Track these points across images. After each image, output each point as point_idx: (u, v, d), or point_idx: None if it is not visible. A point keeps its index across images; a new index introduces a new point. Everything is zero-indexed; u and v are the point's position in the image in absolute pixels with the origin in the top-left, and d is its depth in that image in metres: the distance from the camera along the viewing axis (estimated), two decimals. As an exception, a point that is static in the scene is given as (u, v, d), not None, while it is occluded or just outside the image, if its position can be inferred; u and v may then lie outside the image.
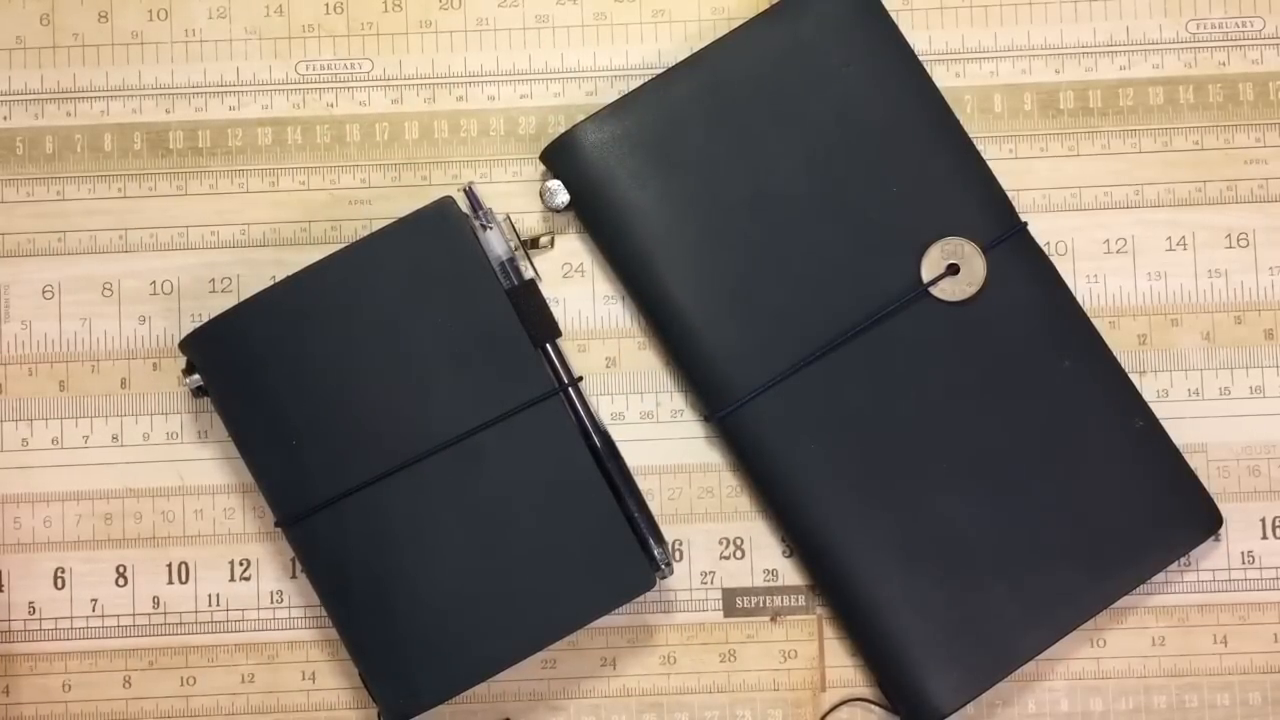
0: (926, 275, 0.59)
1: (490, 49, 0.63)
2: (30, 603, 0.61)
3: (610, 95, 0.62)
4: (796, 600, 0.61)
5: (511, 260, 0.59)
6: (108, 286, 0.62)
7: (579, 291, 0.62)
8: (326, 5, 0.63)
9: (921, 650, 0.58)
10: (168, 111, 0.63)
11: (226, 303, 0.60)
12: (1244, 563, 0.61)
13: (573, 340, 0.62)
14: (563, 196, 0.61)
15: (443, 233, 0.58)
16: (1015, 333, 0.59)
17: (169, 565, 0.62)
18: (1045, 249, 0.61)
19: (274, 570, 0.61)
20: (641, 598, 0.58)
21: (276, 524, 0.58)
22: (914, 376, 0.59)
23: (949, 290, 0.59)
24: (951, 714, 0.58)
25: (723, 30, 0.61)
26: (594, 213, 0.61)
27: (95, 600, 0.61)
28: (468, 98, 0.63)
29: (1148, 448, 0.59)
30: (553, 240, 0.62)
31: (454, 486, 0.57)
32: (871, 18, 0.61)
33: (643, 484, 0.59)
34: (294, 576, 0.61)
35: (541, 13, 0.63)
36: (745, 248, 0.60)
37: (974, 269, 0.59)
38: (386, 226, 0.58)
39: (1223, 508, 0.60)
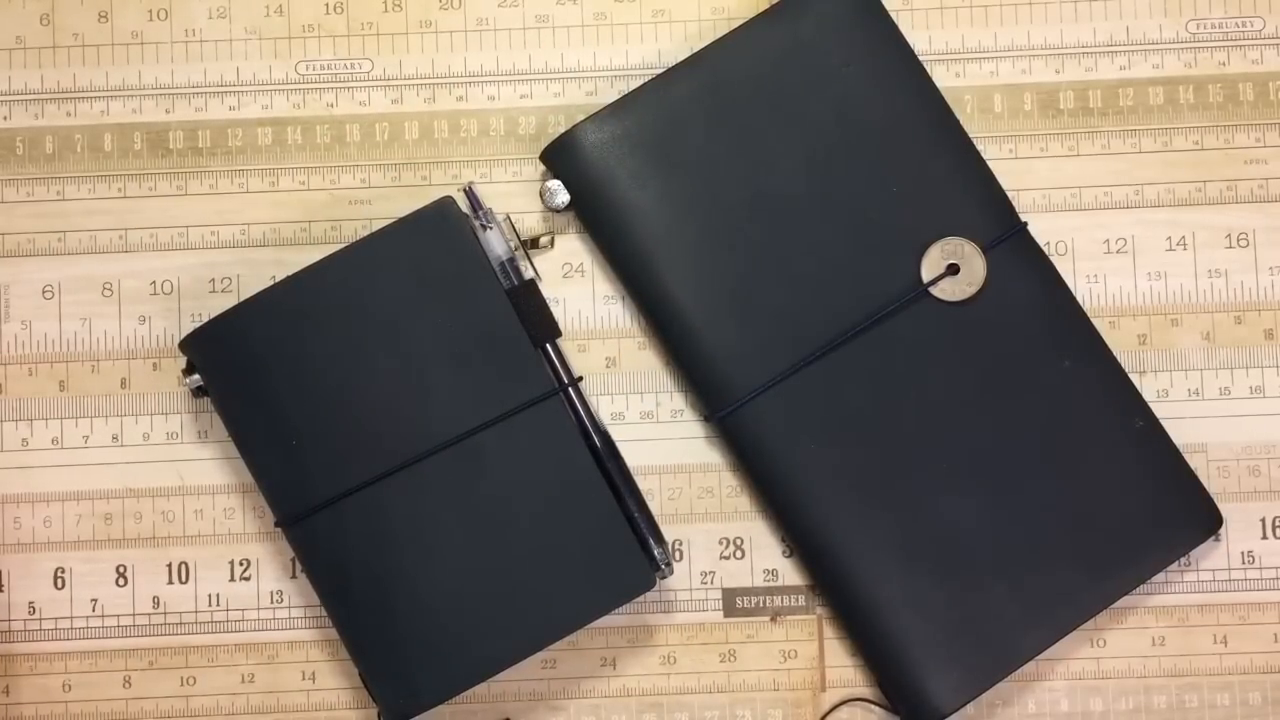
0: (926, 275, 0.59)
1: (490, 49, 0.63)
2: (30, 603, 0.61)
3: (610, 95, 0.62)
4: (796, 600, 0.61)
5: (511, 260, 0.59)
6: (108, 286, 0.62)
7: (579, 291, 0.62)
8: (326, 5, 0.63)
9: (921, 650, 0.58)
10: (168, 111, 0.63)
11: (226, 303, 0.60)
12: (1244, 563, 0.61)
13: (573, 340, 0.62)
14: (563, 196, 0.61)
15: (443, 233, 0.58)
16: (1015, 333, 0.59)
17: (169, 565, 0.62)
18: (1045, 249, 0.61)
19: (274, 570, 0.61)
20: (641, 598, 0.58)
21: (276, 524, 0.58)
22: (914, 376, 0.59)
23: (949, 290, 0.59)
24: (951, 714, 0.58)
25: (723, 30, 0.61)
26: (594, 213, 0.61)
27: (95, 600, 0.61)
28: (468, 98, 0.63)
29: (1148, 448, 0.59)
30: (553, 240, 0.62)
31: (454, 486, 0.57)
32: (871, 18, 0.61)
33: (643, 484, 0.59)
34: (294, 576, 0.61)
35: (541, 13, 0.63)
36: (745, 248, 0.60)
37: (974, 269, 0.59)
38: (386, 226, 0.58)
39: (1223, 508, 0.60)
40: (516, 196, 0.62)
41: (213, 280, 0.62)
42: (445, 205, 0.58)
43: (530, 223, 0.62)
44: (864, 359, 0.59)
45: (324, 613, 0.59)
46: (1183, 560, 0.61)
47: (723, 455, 0.62)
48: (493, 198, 0.61)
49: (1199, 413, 0.62)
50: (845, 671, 0.61)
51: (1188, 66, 0.63)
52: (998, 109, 0.63)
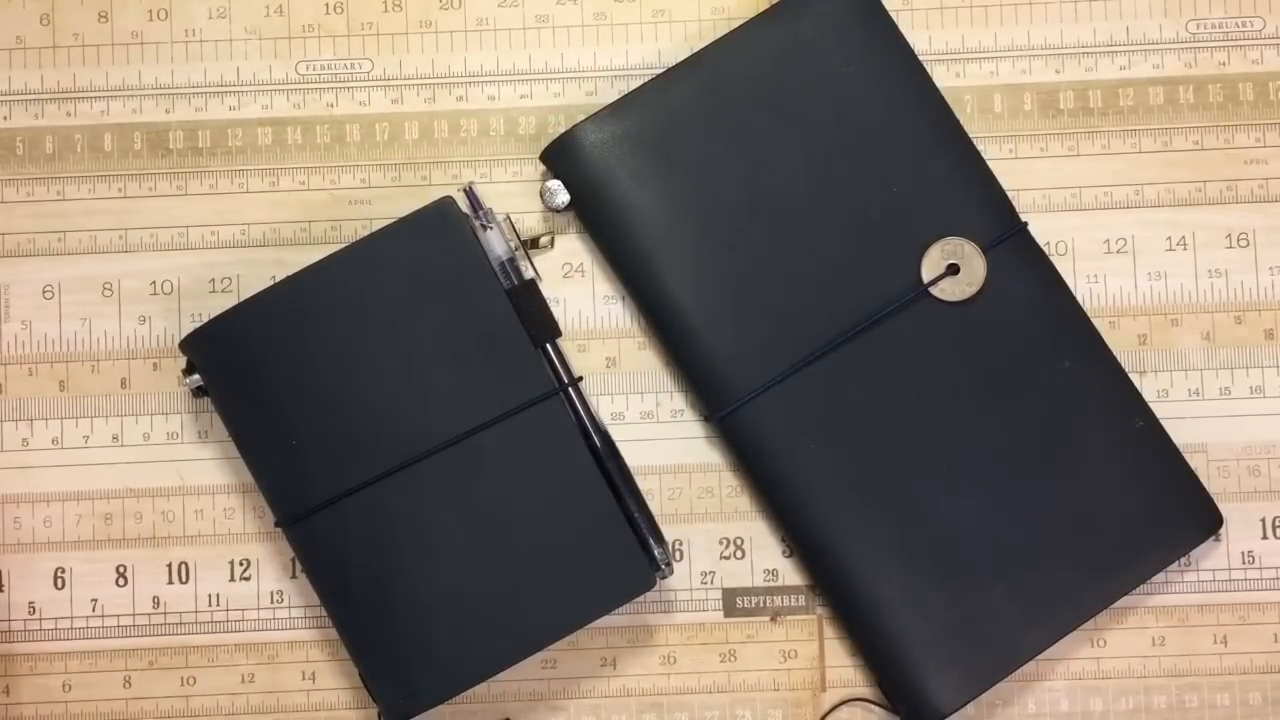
0: (926, 275, 0.59)
1: (490, 49, 0.63)
2: (30, 603, 0.61)
3: (610, 95, 0.62)
4: (796, 600, 0.61)
5: (511, 260, 0.59)
6: (108, 286, 0.62)
7: (579, 291, 0.62)
8: (326, 5, 0.63)
9: (921, 650, 0.58)
10: (168, 111, 0.63)
11: (226, 303, 0.60)
12: (1244, 563, 0.61)
13: (573, 340, 0.62)
14: (563, 196, 0.61)
15: (443, 233, 0.58)
16: (1015, 333, 0.59)
17: (169, 565, 0.62)
18: (1045, 249, 0.61)
19: (274, 570, 0.61)
20: (641, 598, 0.58)
21: (276, 524, 0.58)
22: (914, 377, 0.59)
23: (949, 290, 0.59)
24: (951, 714, 0.58)
25: (723, 30, 0.61)
26: (594, 213, 0.61)
27: (95, 600, 0.61)
28: (468, 98, 0.63)
29: (1148, 448, 0.59)
30: (553, 240, 0.62)
31: (454, 486, 0.57)
32: (871, 18, 0.61)
33: (643, 484, 0.59)
34: (294, 576, 0.61)
35: (541, 13, 0.63)
36: (745, 248, 0.60)
37: (974, 269, 0.59)
38: (386, 226, 0.58)
39: (1223, 508, 0.60)
40: (516, 196, 0.62)
41: (213, 280, 0.62)
42: (445, 205, 0.58)
43: (530, 223, 0.62)
44: (864, 359, 0.59)
45: (324, 613, 0.59)
46: (1183, 560, 0.61)
47: (723, 455, 0.62)
48: (493, 198, 0.61)
49: (1199, 413, 0.62)
50: (845, 671, 0.61)
51: (1188, 66, 0.63)
52: (998, 109, 0.63)
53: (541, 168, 0.62)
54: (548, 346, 0.58)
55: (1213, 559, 0.61)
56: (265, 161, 0.63)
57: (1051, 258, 0.61)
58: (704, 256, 0.60)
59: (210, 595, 0.61)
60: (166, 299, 0.62)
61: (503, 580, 0.57)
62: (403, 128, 0.63)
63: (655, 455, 0.61)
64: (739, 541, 0.62)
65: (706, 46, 0.60)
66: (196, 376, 0.58)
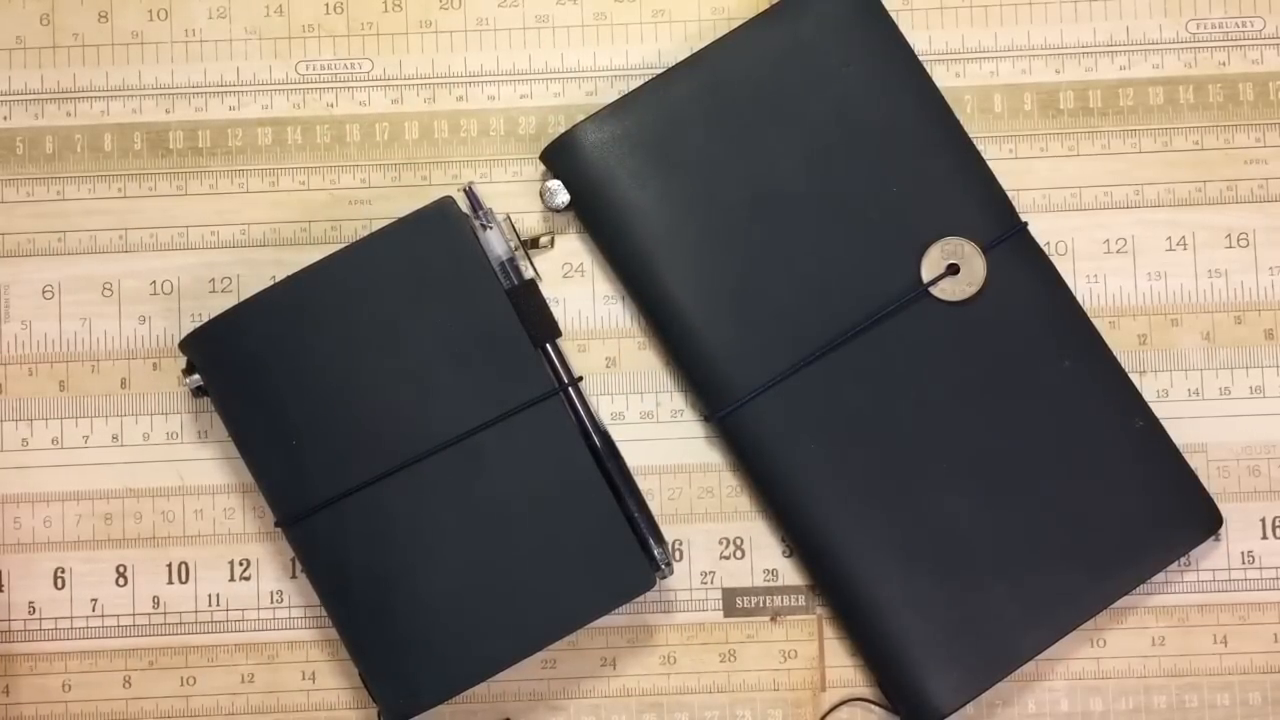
0: (926, 275, 0.59)
1: (490, 49, 0.63)
2: (30, 603, 0.61)
3: (610, 95, 0.62)
4: (796, 600, 0.61)
5: (511, 260, 0.59)
6: (108, 286, 0.62)
7: (579, 291, 0.62)
8: (326, 5, 0.63)
9: (921, 650, 0.58)
10: (168, 111, 0.63)
11: (226, 303, 0.60)
12: (1244, 563, 0.61)
13: (573, 340, 0.62)
14: (563, 196, 0.61)
15: (443, 233, 0.58)
16: (1015, 333, 0.59)
17: (169, 565, 0.62)
18: (1045, 249, 0.61)
19: (274, 570, 0.61)
20: (641, 598, 0.58)
21: (276, 524, 0.58)
22: (914, 377, 0.59)
23: (949, 290, 0.59)
24: (951, 714, 0.58)
25: (723, 30, 0.61)
26: (594, 213, 0.61)
27: (95, 600, 0.61)
28: (468, 98, 0.63)
29: (1148, 448, 0.59)
30: (553, 240, 0.62)
31: (454, 486, 0.57)
32: (871, 18, 0.61)
33: (643, 484, 0.59)
34: (294, 576, 0.61)
35: (541, 13, 0.63)
36: (745, 248, 0.60)
37: (974, 269, 0.59)
38: (386, 226, 0.58)
39: (1223, 508, 0.60)
40: (516, 196, 0.62)
41: (213, 280, 0.62)
42: (445, 205, 0.58)
43: (530, 223, 0.62)
44: (864, 359, 0.59)
45: (324, 613, 0.59)
46: (1183, 560, 0.61)
47: (723, 455, 0.62)
48: (493, 198, 0.61)
49: (1199, 413, 0.62)
50: (845, 671, 0.61)
51: (1188, 66, 0.63)
52: (998, 109, 0.63)
53: (541, 168, 0.62)
54: (548, 346, 0.58)
55: (1213, 559, 0.61)
56: (265, 161, 0.63)
57: (1051, 258, 0.61)
58: (704, 256, 0.60)
59: (210, 595, 0.61)
60: (166, 299, 0.62)
61: (503, 580, 0.57)
62: (403, 128, 0.63)
63: (655, 455, 0.61)
64: (739, 541, 0.62)
65: (706, 46, 0.60)
66: (196, 376, 0.58)
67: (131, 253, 0.62)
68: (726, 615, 0.61)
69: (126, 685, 0.61)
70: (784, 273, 0.59)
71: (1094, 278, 0.62)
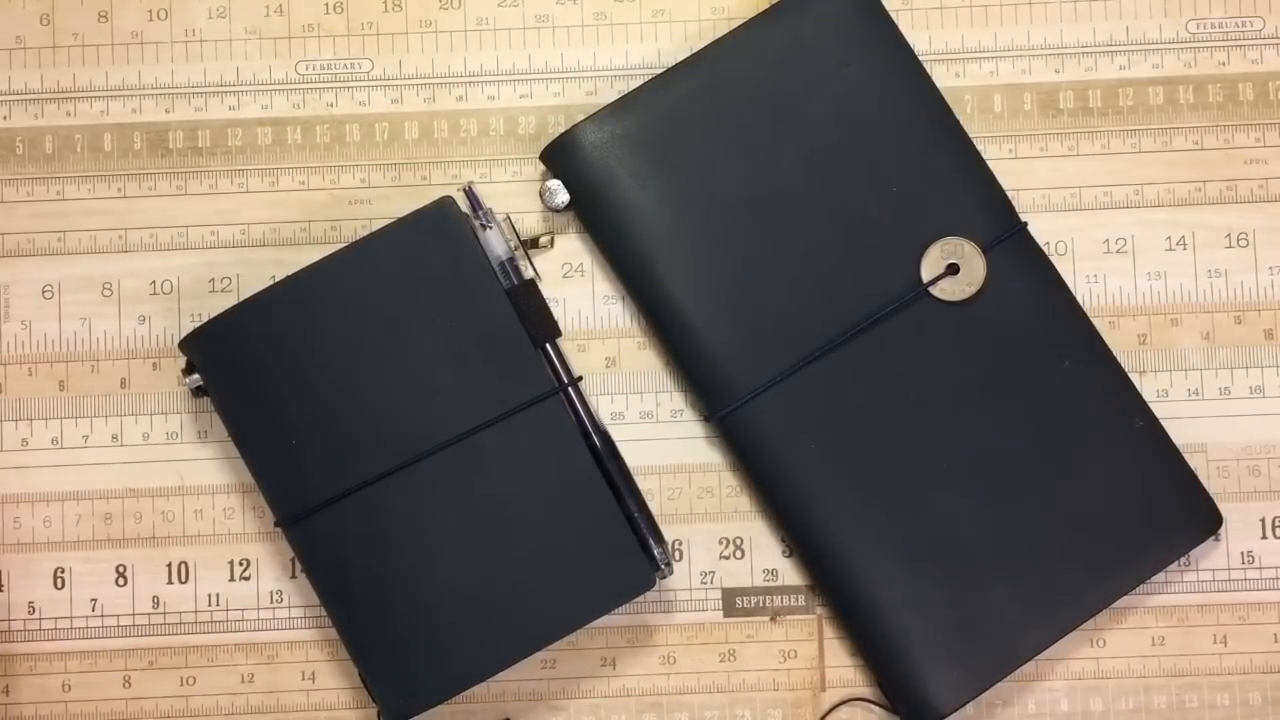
0: (926, 275, 0.59)
1: (490, 49, 0.63)
2: (30, 603, 0.61)
3: (610, 95, 0.62)
4: (796, 600, 0.61)
5: (511, 260, 0.59)
6: (108, 286, 0.62)
7: (579, 291, 0.62)
8: (326, 5, 0.63)
9: (921, 650, 0.58)
10: (168, 111, 0.63)
11: (226, 303, 0.60)
12: (1244, 563, 0.61)
13: (573, 340, 0.62)
14: (563, 196, 0.61)
15: (443, 232, 0.58)
16: (1015, 333, 0.59)
17: (169, 565, 0.61)
18: (1045, 249, 0.61)
19: (274, 570, 0.61)
20: (641, 598, 0.58)
21: (276, 524, 0.58)
22: (914, 377, 0.59)
23: (949, 290, 0.59)
24: (951, 714, 0.58)
25: (723, 30, 0.61)
26: (594, 213, 0.61)
27: (95, 600, 0.61)
28: (468, 98, 0.63)
29: (1148, 448, 0.59)
30: (553, 240, 0.62)
31: (454, 486, 0.57)
32: (871, 18, 0.61)
33: (643, 484, 0.59)
34: (294, 576, 0.61)
35: (541, 13, 0.63)
36: (745, 248, 0.60)
37: (974, 269, 0.59)
38: (386, 226, 0.58)
39: (1223, 508, 0.60)
40: (516, 196, 0.62)
41: (213, 280, 0.62)
42: (445, 205, 0.58)
43: (530, 223, 0.62)
44: (864, 359, 0.59)
45: (324, 613, 0.59)
46: (1183, 560, 0.61)
47: (723, 455, 0.62)
48: (493, 198, 0.61)
49: (1199, 413, 0.62)
50: (845, 671, 0.61)
51: (1188, 66, 0.63)
52: (998, 109, 0.63)
53: (541, 168, 0.62)
54: (548, 346, 0.58)
55: (1212, 559, 0.61)
56: (265, 161, 0.63)
57: (1051, 258, 0.61)
58: (704, 256, 0.60)
59: (210, 595, 0.61)
60: (166, 299, 0.62)
61: (503, 580, 0.57)
62: (402, 128, 0.63)
63: (655, 455, 0.61)
64: (739, 541, 0.62)
65: (706, 46, 0.60)
66: (196, 376, 0.58)
67: (131, 253, 0.62)
68: (726, 615, 0.61)
69: (126, 685, 0.61)
70: (784, 272, 0.59)
71: (1094, 278, 0.62)
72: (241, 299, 0.58)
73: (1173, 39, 0.63)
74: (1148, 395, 0.60)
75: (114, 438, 0.62)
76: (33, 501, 0.62)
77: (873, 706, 0.61)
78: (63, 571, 0.61)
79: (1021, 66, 0.63)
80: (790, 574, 0.61)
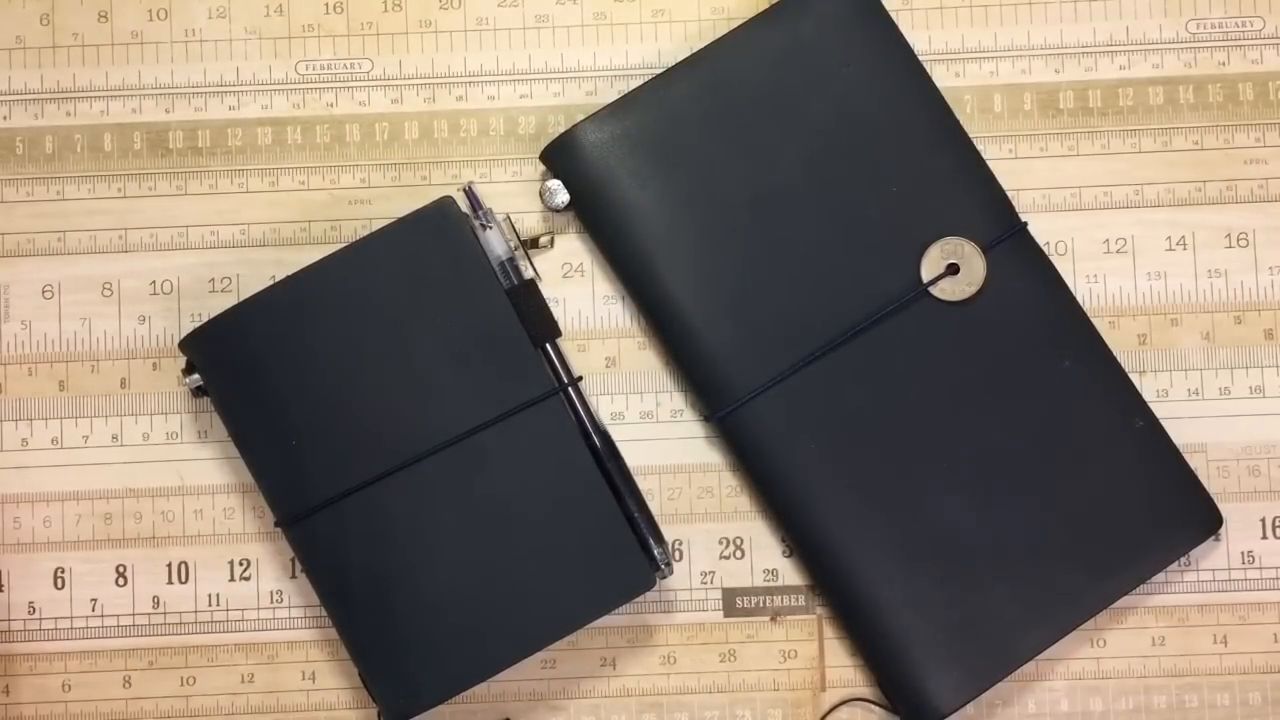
0: (926, 275, 0.59)
1: (490, 49, 0.63)
2: (30, 603, 0.61)
3: (610, 95, 0.62)
4: (796, 600, 0.61)
5: (511, 260, 0.59)
6: (108, 286, 0.62)
7: (579, 291, 0.62)
8: (326, 5, 0.63)
9: (921, 650, 0.58)
10: (168, 111, 0.63)
11: (226, 303, 0.60)
12: (1244, 563, 0.61)
13: (573, 340, 0.62)
14: (563, 196, 0.61)
15: (443, 232, 0.58)
16: (1015, 333, 0.59)
17: (169, 565, 0.61)
18: (1045, 249, 0.61)
19: (274, 570, 0.61)
20: (641, 598, 0.58)
21: (276, 524, 0.58)
22: (914, 377, 0.59)
23: (949, 290, 0.59)
24: (951, 714, 0.58)
25: (723, 30, 0.61)
26: (594, 213, 0.61)
27: (95, 600, 0.61)
28: (468, 98, 0.63)
29: (1148, 448, 0.59)
30: (553, 240, 0.62)
31: (454, 486, 0.57)
32: (871, 18, 0.61)
33: (643, 484, 0.59)
34: (294, 576, 0.61)
35: (541, 13, 0.63)
36: (745, 248, 0.60)
37: (974, 269, 0.59)
38: (386, 226, 0.58)
39: (1223, 508, 0.60)
40: (516, 196, 0.62)
41: (213, 280, 0.62)
42: (445, 205, 0.58)
43: (530, 223, 0.62)
44: (864, 359, 0.59)
45: (324, 613, 0.59)
46: (1183, 560, 0.61)
47: (723, 455, 0.62)
48: (493, 198, 0.61)
49: (1199, 413, 0.62)
50: (845, 671, 0.61)
51: (1188, 66, 0.63)
52: (998, 109, 0.63)
53: (541, 168, 0.62)
54: (548, 346, 0.58)
55: (1213, 559, 0.61)
56: (265, 161, 0.63)
57: (1051, 258, 0.61)
58: (704, 256, 0.60)
59: (210, 595, 0.61)
60: (166, 299, 0.62)
61: (503, 580, 0.57)
62: (402, 128, 0.63)
63: (655, 455, 0.61)
64: (739, 541, 0.62)
65: (706, 46, 0.60)
66: (196, 376, 0.58)
67: (131, 253, 0.62)
68: (726, 615, 0.61)
69: (126, 685, 0.61)
70: (784, 272, 0.59)
71: (1094, 278, 0.62)
72: (241, 299, 0.58)
73: (1173, 39, 0.63)
74: (1148, 395, 0.60)
75: (114, 438, 0.62)
76: (33, 501, 0.62)
77: (873, 706, 0.61)
78: (63, 571, 0.61)
79: (1021, 66, 0.63)
80: (790, 574, 0.61)
